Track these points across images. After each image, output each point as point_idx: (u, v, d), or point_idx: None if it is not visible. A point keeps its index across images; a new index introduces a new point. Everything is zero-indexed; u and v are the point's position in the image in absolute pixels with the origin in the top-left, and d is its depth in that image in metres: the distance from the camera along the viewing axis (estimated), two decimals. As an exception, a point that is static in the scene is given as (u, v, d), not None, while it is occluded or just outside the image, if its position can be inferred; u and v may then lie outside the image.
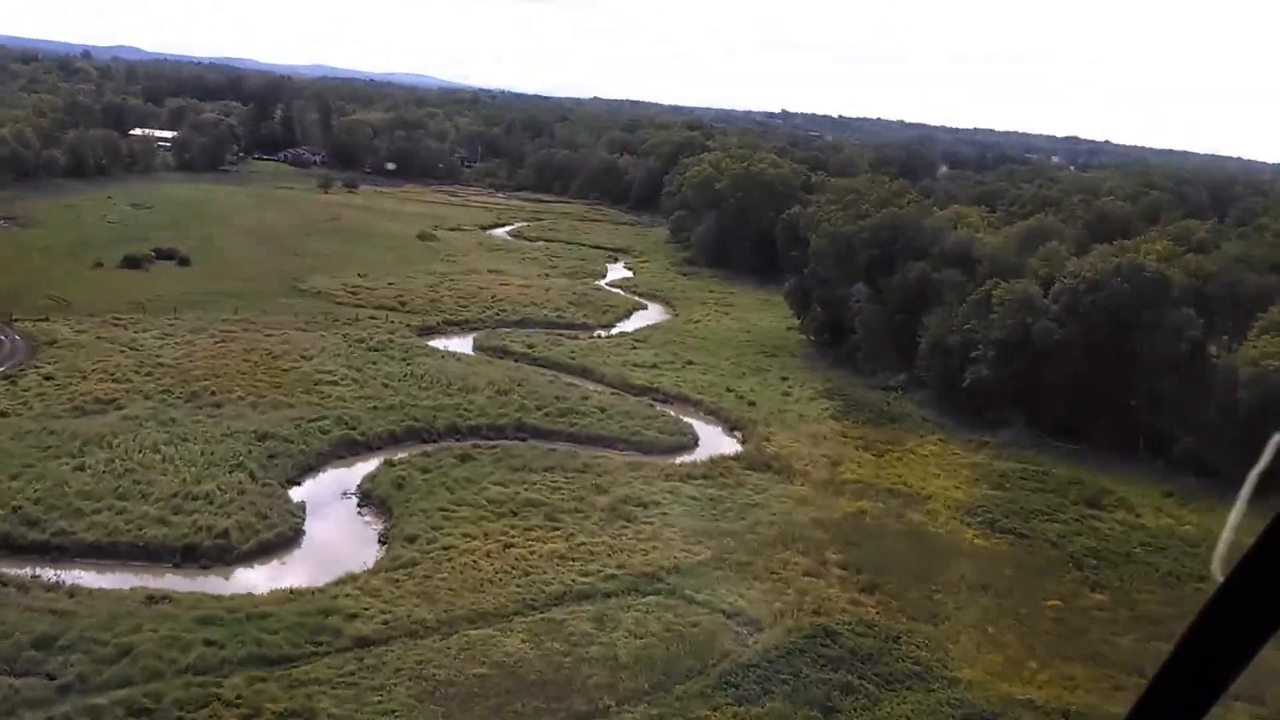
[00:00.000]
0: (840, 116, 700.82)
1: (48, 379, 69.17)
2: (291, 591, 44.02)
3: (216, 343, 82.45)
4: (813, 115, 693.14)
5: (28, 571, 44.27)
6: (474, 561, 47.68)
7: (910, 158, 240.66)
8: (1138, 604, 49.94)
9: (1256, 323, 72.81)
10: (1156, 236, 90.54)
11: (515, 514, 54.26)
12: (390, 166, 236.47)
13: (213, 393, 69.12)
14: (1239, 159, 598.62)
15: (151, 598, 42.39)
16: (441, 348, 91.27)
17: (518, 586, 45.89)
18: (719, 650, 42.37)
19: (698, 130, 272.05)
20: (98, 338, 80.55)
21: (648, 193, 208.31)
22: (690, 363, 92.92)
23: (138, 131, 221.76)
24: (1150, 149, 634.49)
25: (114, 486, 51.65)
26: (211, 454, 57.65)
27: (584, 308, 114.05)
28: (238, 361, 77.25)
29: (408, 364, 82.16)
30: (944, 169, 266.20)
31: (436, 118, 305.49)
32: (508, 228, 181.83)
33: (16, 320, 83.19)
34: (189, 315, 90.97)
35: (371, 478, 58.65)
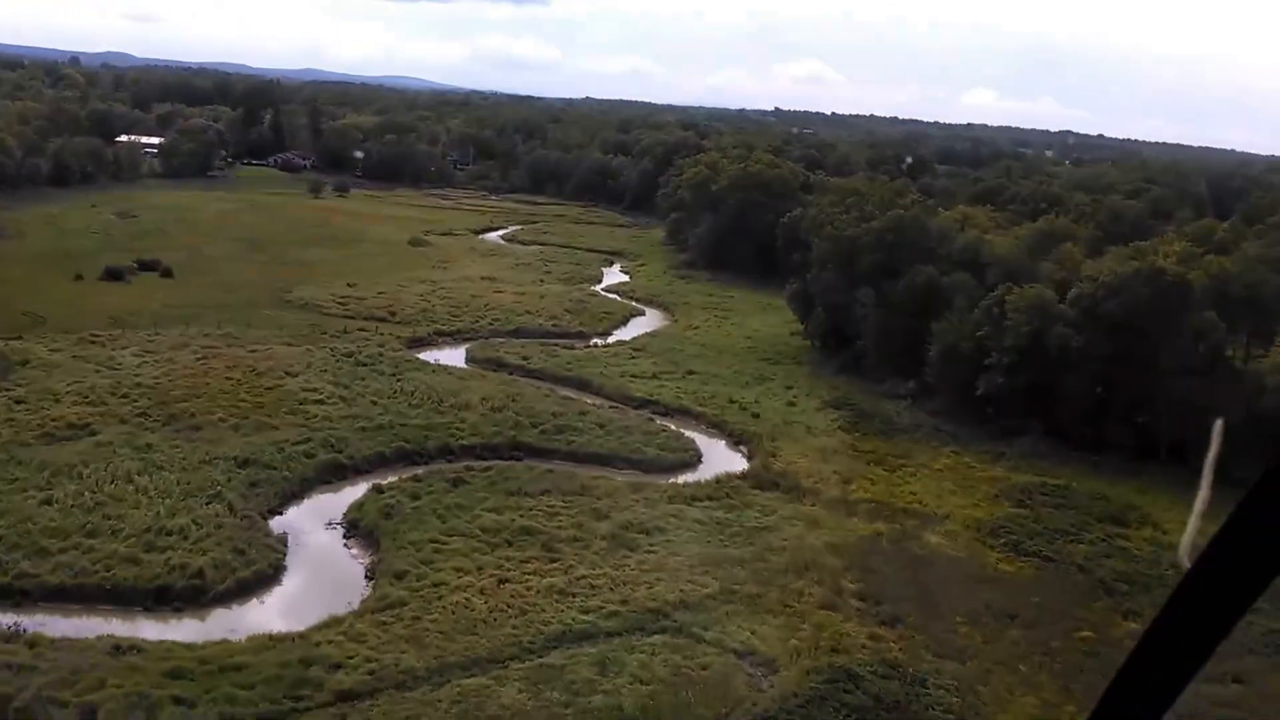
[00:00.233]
0: (833, 114, 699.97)
1: (18, 403, 65.71)
2: (270, 638, 40.79)
3: (198, 360, 79.16)
4: (806, 113, 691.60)
5: (-14, 619, 41.08)
6: (467, 600, 44.46)
7: (905, 154, 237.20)
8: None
9: (1281, 326, 69.83)
10: (1173, 237, 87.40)
11: (510, 544, 51.06)
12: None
13: (192, 415, 65.85)
14: (1232, 151, 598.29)
15: (119, 648, 39.15)
16: (433, 361, 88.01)
17: (514, 628, 42.69)
18: (732, 697, 39.23)
19: (692, 130, 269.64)
20: (73, 357, 77.19)
21: (643, 194, 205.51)
22: (691, 372, 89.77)
23: (124, 138, 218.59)
24: (1144, 142, 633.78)
25: (83, 523, 48.35)
26: (188, 483, 54.37)
27: (580, 315, 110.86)
28: (219, 380, 73.99)
29: (398, 379, 78.91)
30: (940, 166, 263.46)
31: (428, 120, 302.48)
32: (501, 231, 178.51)
33: (-11, 339, 79.88)
34: (171, 330, 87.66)
35: (358, 506, 55.38)
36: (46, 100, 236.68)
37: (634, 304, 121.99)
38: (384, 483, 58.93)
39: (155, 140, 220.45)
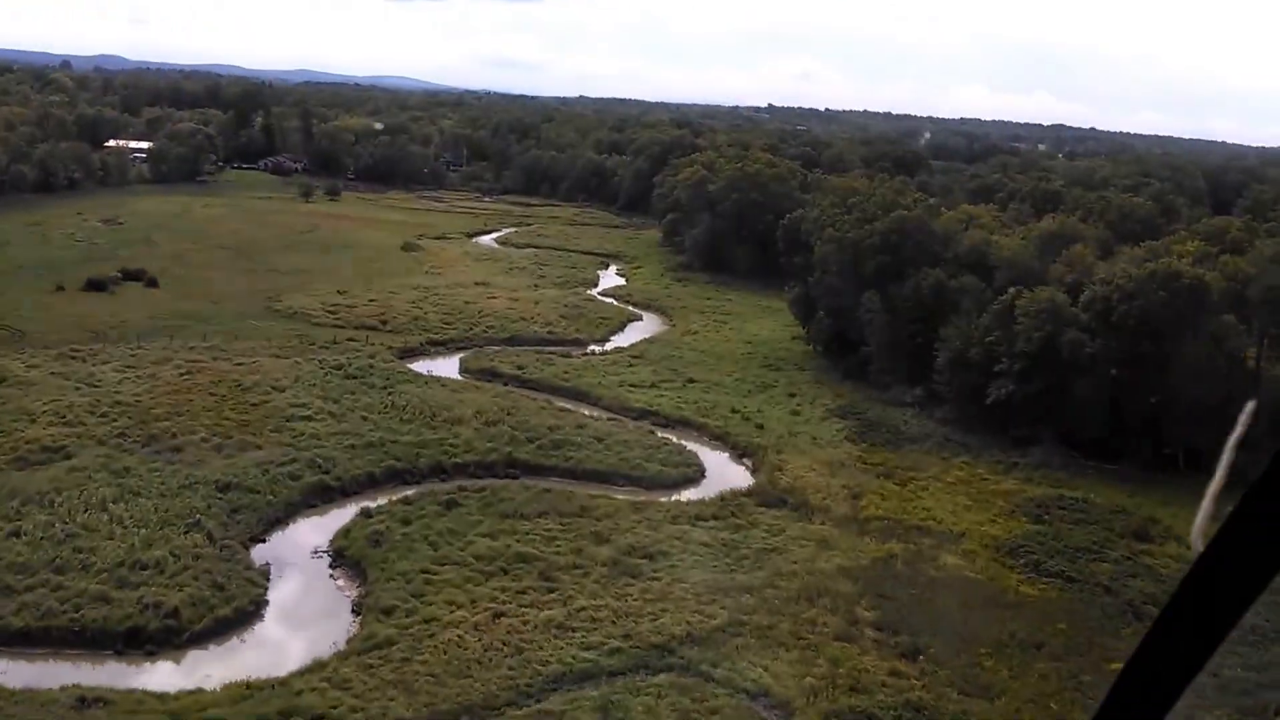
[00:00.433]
0: (827, 109, 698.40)
1: (-10, 425, 62.94)
2: (248, 686, 37.94)
3: (181, 374, 76.29)
4: (799, 109, 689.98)
5: (-57, 668, 38.31)
6: (459, 637, 41.66)
7: (901, 152, 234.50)
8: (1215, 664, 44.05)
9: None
10: (1186, 236, 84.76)
11: (506, 572, 48.30)
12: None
13: (173, 435, 63.02)
14: (1223, 143, 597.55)
15: (84, 699, 36.36)
16: (426, 372, 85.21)
17: (510, 669, 39.90)
18: (745, 745, 36.51)
19: (686, 128, 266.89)
20: (52, 373, 74.25)
21: (637, 194, 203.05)
22: (691, 380, 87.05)
23: (112, 143, 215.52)
24: (1136, 135, 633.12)
25: (51, 557, 45.46)
26: (166, 510, 51.54)
27: (576, 321, 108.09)
28: (203, 396, 71.17)
29: (389, 393, 76.10)
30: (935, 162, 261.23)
31: (420, 121, 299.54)
32: (494, 234, 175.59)
33: (-36, 355, 77.02)
34: (154, 344, 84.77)
35: (345, 533, 52.51)
36: (34, 105, 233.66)
37: (631, 308, 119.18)
38: (373, 506, 56.15)
39: (144, 145, 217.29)
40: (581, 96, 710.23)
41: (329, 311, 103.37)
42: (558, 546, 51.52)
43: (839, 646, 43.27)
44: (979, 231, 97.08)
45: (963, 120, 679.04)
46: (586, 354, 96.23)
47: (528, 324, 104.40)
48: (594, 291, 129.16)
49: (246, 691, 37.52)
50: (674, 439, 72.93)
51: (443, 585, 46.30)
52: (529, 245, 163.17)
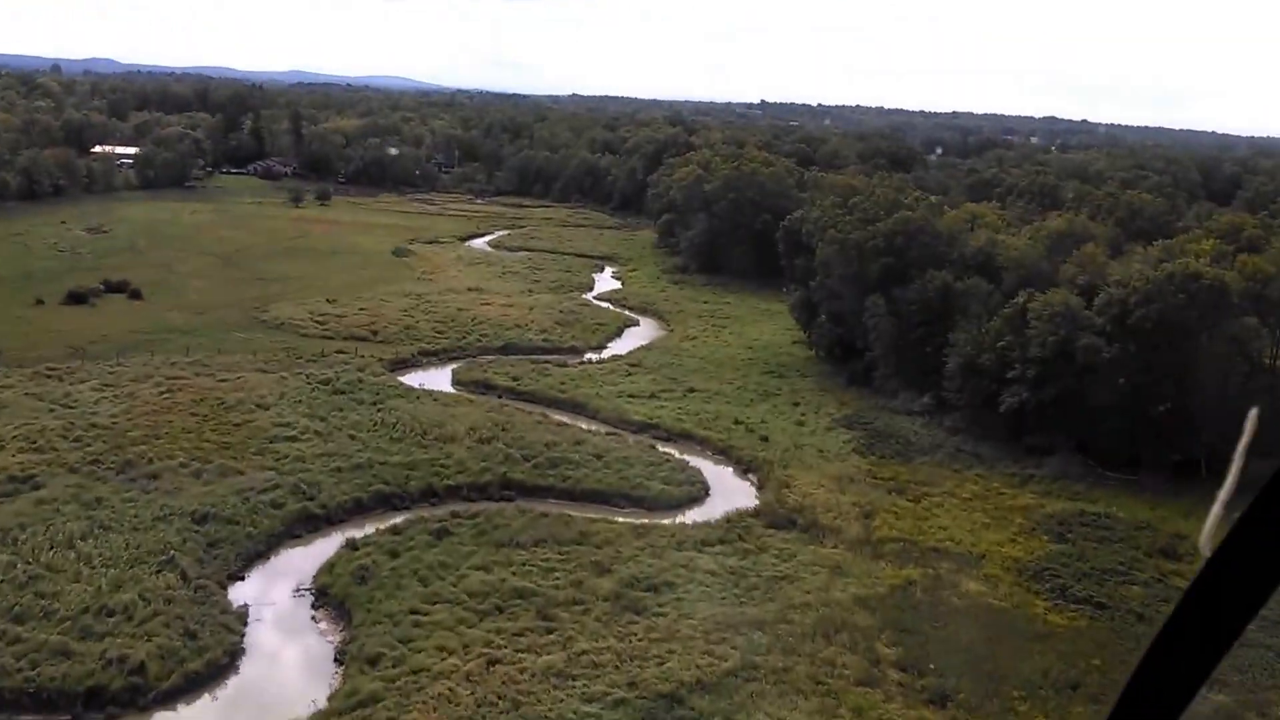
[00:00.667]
0: (819, 105, 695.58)
1: (-44, 455, 59.69)
2: (219, 755, 34.89)
3: (161, 393, 73.10)
4: (791, 104, 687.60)
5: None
6: (451, 690, 38.51)
7: (896, 147, 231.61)
8: (1270, 706, 41.06)
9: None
10: (1201, 234, 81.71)
11: (501, 610, 45.20)
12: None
13: (150, 460, 59.86)
14: (1213, 133, 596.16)
15: (38, 771, 33.30)
16: (417, 385, 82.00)
17: (506, 725, 36.83)
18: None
19: (679, 126, 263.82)
20: (26, 394, 71.05)
21: (632, 193, 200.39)
22: (691, 390, 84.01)
23: (99, 149, 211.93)
24: (1127, 126, 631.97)
25: (11, 604, 42.17)
26: (138, 547, 48.37)
27: (572, 328, 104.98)
28: (183, 416, 68.02)
29: (378, 409, 72.96)
30: (939, 150, 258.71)
31: (411, 122, 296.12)
32: (487, 237, 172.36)
33: (-66, 377, 73.80)
34: (134, 360, 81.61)
35: (329, 568, 49.31)
36: (19, 111, 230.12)
37: (627, 313, 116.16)
38: (359, 536, 53.00)
39: (131, 150, 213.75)
40: (574, 95, 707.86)
41: (317, 322, 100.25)
42: (556, 579, 48.45)
43: (861, 693, 40.15)
44: (984, 231, 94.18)
45: (954, 114, 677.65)
46: (583, 362, 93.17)
47: (522, 331, 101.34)
48: (589, 296, 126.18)
49: (217, 759, 34.41)
50: (676, 454, 69.96)
51: (433, 628, 43.15)
52: (522, 248, 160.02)
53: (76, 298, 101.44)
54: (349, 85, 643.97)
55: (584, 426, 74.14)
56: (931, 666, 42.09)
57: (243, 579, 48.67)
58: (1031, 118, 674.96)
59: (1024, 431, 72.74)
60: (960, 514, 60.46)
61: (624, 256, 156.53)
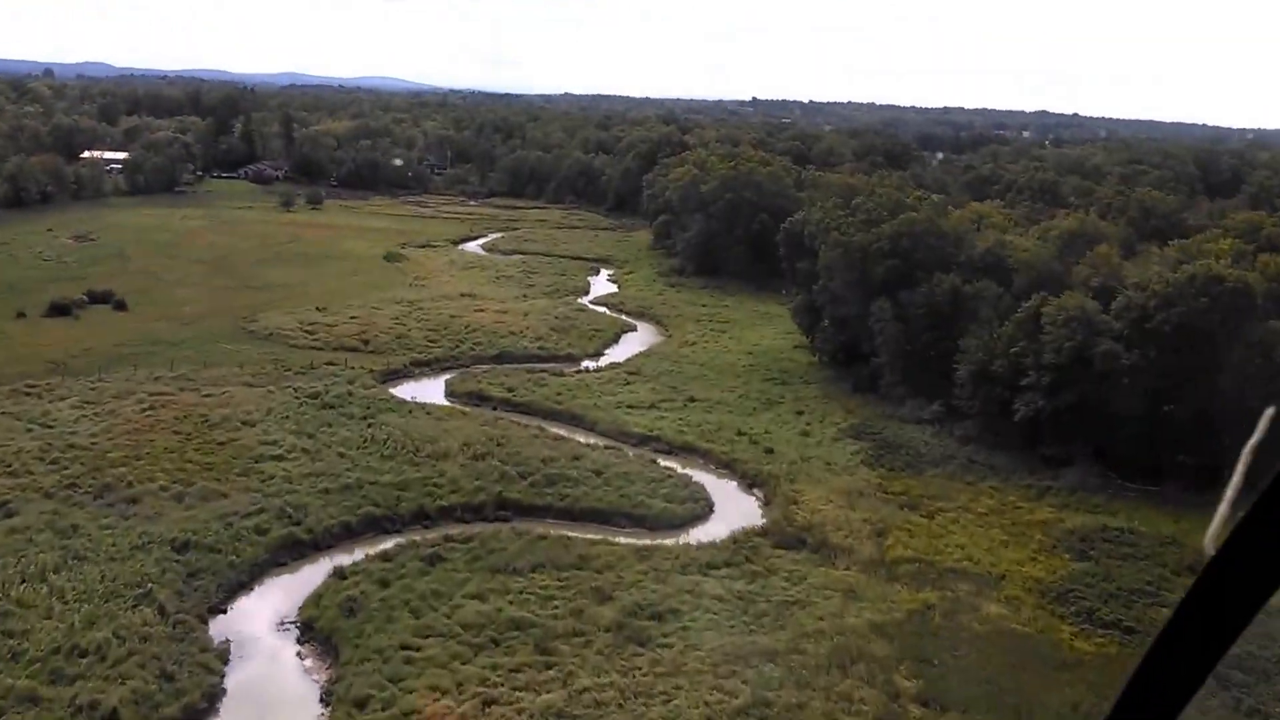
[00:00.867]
0: (811, 101, 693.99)
1: (-74, 481, 56.99)
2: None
3: (143, 410, 70.44)
4: (783, 101, 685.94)
5: None
6: (444, 736, 36.01)
7: (891, 144, 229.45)
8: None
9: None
10: (1219, 234, 79.23)
11: (497, 644, 42.64)
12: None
13: (129, 483, 57.22)
14: (1205, 125, 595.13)
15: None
16: (409, 397, 79.42)
17: (503, 775, 34.31)
18: None
19: (673, 125, 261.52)
20: (2, 413, 68.37)
21: (626, 193, 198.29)
22: (692, 399, 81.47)
23: (88, 154, 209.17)
24: (1119, 120, 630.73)
25: (-24, 646, 39.76)
26: (114, 579, 45.77)
27: (567, 334, 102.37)
28: (165, 435, 65.40)
29: (368, 424, 70.35)
30: (939, 155, 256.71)
31: (403, 123, 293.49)
32: (481, 240, 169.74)
33: (-92, 395, 71.13)
34: (117, 375, 78.92)
35: (316, 599, 46.69)
36: (7, 116, 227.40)
37: (624, 318, 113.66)
38: (348, 563, 50.38)
39: (120, 156, 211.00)
40: (566, 94, 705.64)
41: (306, 331, 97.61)
42: (555, 608, 45.91)
43: (881, 731, 37.67)
44: (992, 232, 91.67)
45: (946, 109, 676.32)
46: (580, 371, 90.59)
47: (517, 339, 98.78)
48: (585, 300, 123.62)
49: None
50: (678, 468, 67.42)
51: (425, 665, 40.57)
52: (516, 251, 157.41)
53: (59, 309, 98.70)
54: (341, 86, 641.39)
55: (582, 440, 71.62)
56: (954, 700, 39.53)
57: (224, 612, 46.08)
58: (1023, 112, 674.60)
59: (1039, 441, 70.26)
60: (976, 530, 57.96)
61: (620, 258, 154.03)
